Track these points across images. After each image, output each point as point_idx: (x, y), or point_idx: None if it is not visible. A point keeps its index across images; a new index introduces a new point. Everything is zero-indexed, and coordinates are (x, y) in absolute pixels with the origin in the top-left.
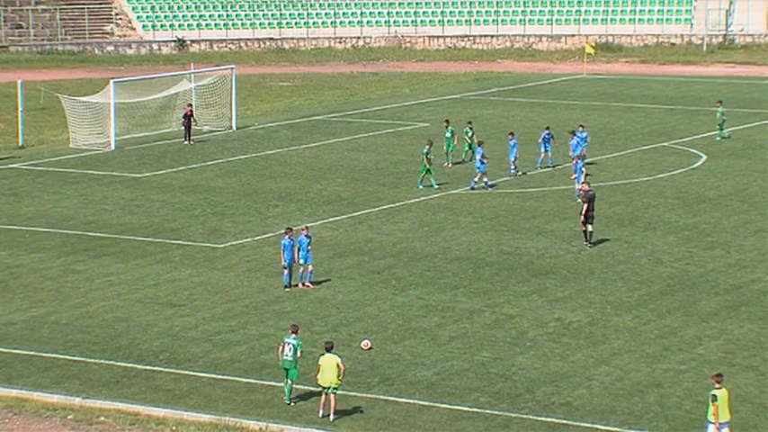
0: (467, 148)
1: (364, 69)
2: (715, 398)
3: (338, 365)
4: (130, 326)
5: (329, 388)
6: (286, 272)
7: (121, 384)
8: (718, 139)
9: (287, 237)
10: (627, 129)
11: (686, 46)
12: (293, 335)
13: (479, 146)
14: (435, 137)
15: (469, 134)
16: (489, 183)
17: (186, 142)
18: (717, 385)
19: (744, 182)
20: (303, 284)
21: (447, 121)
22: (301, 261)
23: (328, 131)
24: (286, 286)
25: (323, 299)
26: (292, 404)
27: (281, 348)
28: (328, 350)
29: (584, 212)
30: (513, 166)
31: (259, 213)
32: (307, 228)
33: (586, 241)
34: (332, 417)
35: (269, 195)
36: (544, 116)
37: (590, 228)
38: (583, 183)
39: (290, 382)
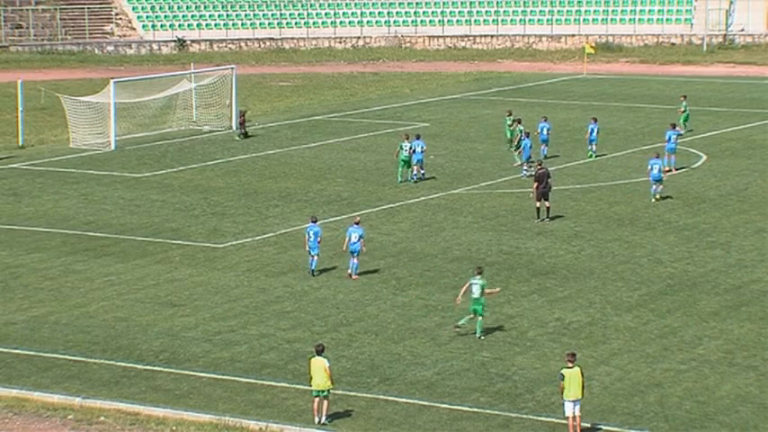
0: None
1: (364, 69)
2: (562, 377)
3: (325, 369)
4: (130, 326)
5: (320, 392)
6: (311, 259)
7: (122, 384)
8: (682, 133)
9: (312, 224)
10: (627, 129)
11: (686, 46)
12: (479, 276)
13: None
14: (436, 137)
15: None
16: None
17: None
18: (569, 364)
19: (744, 182)
20: (351, 275)
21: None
22: (351, 250)
23: (328, 131)
24: (312, 273)
25: (323, 299)
26: (482, 338)
27: (465, 287)
28: (318, 353)
29: (534, 189)
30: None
31: (259, 213)
32: (359, 220)
33: (538, 218)
34: (324, 418)
35: (269, 195)
36: (544, 116)
37: (546, 204)
38: (537, 163)
39: (480, 318)
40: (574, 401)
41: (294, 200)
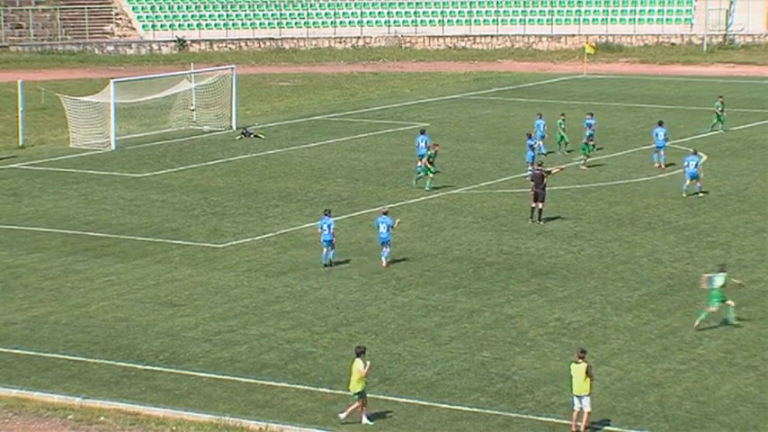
0: (560, 139)
1: (364, 69)
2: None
3: (358, 371)
4: (130, 326)
5: (356, 394)
6: (325, 251)
7: (122, 384)
8: (709, 131)
9: (326, 216)
10: (627, 129)
11: (686, 46)
12: (721, 273)
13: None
14: (435, 137)
15: (563, 125)
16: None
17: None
18: (578, 360)
19: (744, 182)
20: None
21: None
22: (380, 240)
23: (328, 131)
24: (325, 265)
25: (323, 299)
26: (739, 324)
27: (706, 278)
28: (357, 355)
29: (531, 190)
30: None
31: (259, 213)
32: (387, 210)
33: (531, 219)
34: (342, 415)
35: (269, 195)
36: (544, 116)
37: (540, 206)
38: (538, 163)
39: (731, 306)
40: (578, 397)
41: (294, 200)
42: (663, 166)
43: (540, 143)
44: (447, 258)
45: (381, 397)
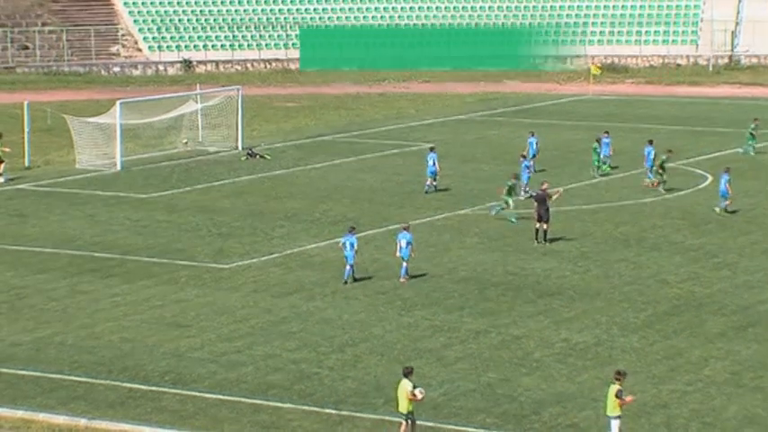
0: (597, 163)
1: (370, 90)
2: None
3: (406, 392)
4: (136, 346)
5: (402, 414)
6: (347, 268)
7: (127, 405)
8: (752, 153)
9: (349, 234)
10: (633, 149)
11: (692, 66)
12: None
13: None
14: (442, 157)
15: (599, 150)
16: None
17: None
18: (614, 381)
19: (750, 202)
20: (401, 279)
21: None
22: (401, 255)
23: (334, 152)
24: (345, 282)
25: (329, 319)
26: None
27: None
28: (405, 375)
29: (535, 211)
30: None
31: (265, 234)
32: (408, 225)
33: (537, 240)
34: None
35: (275, 216)
36: (549, 137)
37: (544, 226)
38: (542, 183)
39: None
40: (608, 417)
41: (300, 220)
42: (651, 184)
43: (533, 162)
44: (453, 279)
45: (387, 418)
